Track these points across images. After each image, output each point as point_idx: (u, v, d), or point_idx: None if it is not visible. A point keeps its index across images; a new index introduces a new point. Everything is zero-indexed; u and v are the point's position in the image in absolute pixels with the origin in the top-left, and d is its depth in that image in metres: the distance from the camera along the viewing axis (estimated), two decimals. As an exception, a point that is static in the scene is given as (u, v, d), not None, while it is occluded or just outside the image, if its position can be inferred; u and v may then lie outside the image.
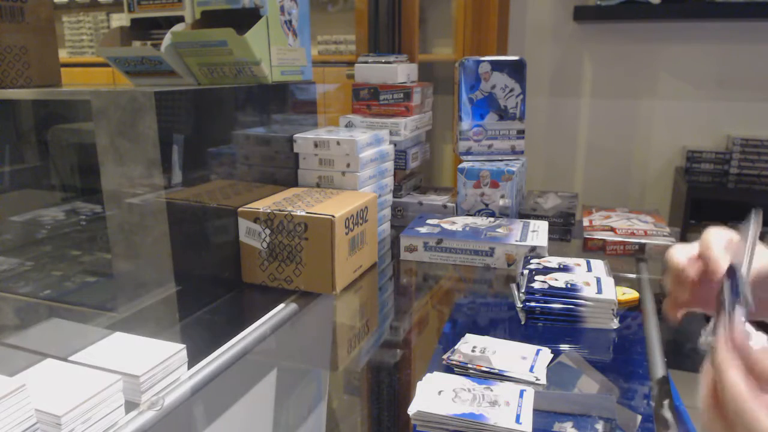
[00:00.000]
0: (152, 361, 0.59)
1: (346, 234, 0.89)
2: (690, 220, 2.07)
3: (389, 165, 1.16)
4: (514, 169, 1.19)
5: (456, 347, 0.73)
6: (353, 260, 0.93)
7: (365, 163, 1.05)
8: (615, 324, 0.81)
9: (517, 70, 1.23)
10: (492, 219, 1.16)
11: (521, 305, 0.84)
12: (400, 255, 1.08)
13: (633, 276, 1.00)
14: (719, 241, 0.54)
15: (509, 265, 1.02)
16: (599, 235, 1.11)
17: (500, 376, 0.67)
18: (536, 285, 0.85)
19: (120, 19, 3.17)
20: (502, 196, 1.19)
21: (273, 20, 0.97)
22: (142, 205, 0.77)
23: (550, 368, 0.70)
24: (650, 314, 0.85)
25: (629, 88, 2.34)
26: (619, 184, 2.43)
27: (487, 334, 0.76)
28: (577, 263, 0.94)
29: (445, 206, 1.26)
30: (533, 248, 1.00)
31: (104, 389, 0.53)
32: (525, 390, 0.62)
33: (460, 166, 1.21)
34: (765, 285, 0.56)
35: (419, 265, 1.07)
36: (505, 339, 0.75)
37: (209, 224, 0.85)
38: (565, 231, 1.20)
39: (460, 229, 1.08)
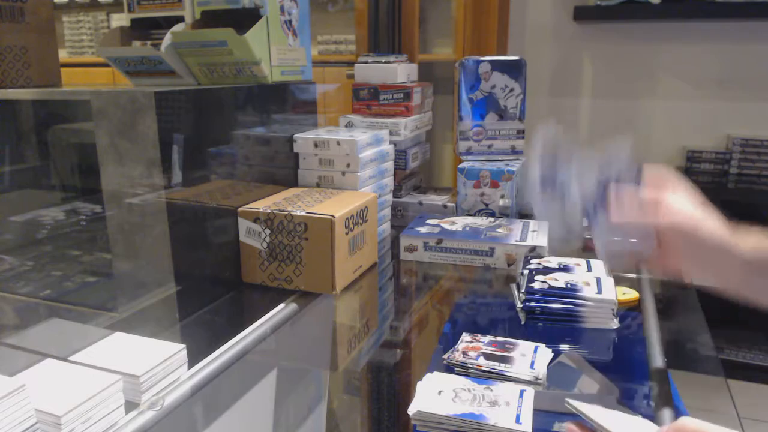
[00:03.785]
0: (152, 361, 0.59)
1: (346, 234, 0.89)
2: (690, 220, 2.07)
3: (389, 165, 1.16)
4: (514, 169, 1.19)
5: (456, 347, 0.73)
6: (353, 260, 0.93)
7: (365, 163, 1.05)
8: (615, 324, 0.81)
9: (517, 70, 1.23)
10: (492, 219, 1.16)
11: (521, 305, 0.84)
12: (400, 255, 1.08)
13: (633, 276, 1.00)
14: None
15: (509, 265, 1.02)
16: (599, 235, 1.11)
17: (500, 376, 0.67)
18: (536, 285, 0.85)
19: (120, 19, 3.17)
20: (502, 196, 1.19)
21: (273, 20, 0.97)
22: (142, 205, 0.77)
23: (550, 368, 0.70)
24: (650, 314, 0.85)
25: (629, 88, 2.34)
26: (619, 184, 2.42)
27: (488, 334, 0.76)
28: (577, 263, 0.94)
29: (445, 206, 1.26)
30: (533, 248, 1.00)
31: (104, 389, 0.53)
32: (525, 390, 0.62)
33: (460, 166, 1.21)
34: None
35: (419, 265, 1.07)
36: (504, 338, 0.75)
37: (209, 224, 0.85)
38: (565, 231, 1.20)
39: (460, 229, 1.08)
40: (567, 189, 0.65)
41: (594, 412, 0.53)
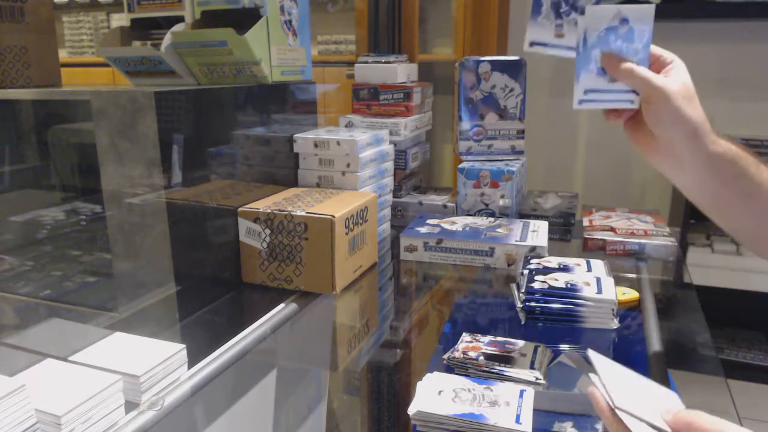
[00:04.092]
0: (152, 361, 0.59)
1: (346, 234, 0.89)
2: (690, 220, 2.07)
3: (389, 165, 1.16)
4: (514, 169, 1.19)
5: (456, 347, 0.73)
6: (353, 260, 0.93)
7: (365, 163, 1.05)
8: (615, 324, 0.81)
9: (517, 70, 1.23)
10: (492, 219, 1.16)
11: (521, 305, 0.84)
12: (400, 255, 1.08)
13: (633, 276, 1.00)
14: None
15: (509, 265, 1.02)
16: (599, 235, 1.11)
17: (500, 376, 0.67)
18: (536, 285, 0.85)
19: (120, 19, 3.17)
20: (502, 196, 1.19)
21: (273, 20, 0.97)
22: (142, 205, 0.77)
23: (551, 368, 0.70)
24: (650, 314, 0.85)
25: (629, 88, 2.33)
26: (619, 184, 2.43)
27: (488, 334, 0.77)
28: (577, 263, 0.94)
29: (445, 206, 1.26)
30: (533, 248, 1.00)
31: (104, 389, 0.53)
32: (525, 390, 0.62)
33: (460, 166, 1.21)
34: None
35: (419, 265, 1.07)
36: (504, 338, 0.75)
37: (209, 224, 0.85)
38: (565, 231, 1.20)
39: (460, 229, 1.08)
40: (572, 15, 0.66)
41: (611, 376, 0.52)
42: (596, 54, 0.65)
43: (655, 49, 0.66)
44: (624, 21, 0.65)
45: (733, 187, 0.63)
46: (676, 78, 0.63)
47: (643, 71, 0.63)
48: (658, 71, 0.64)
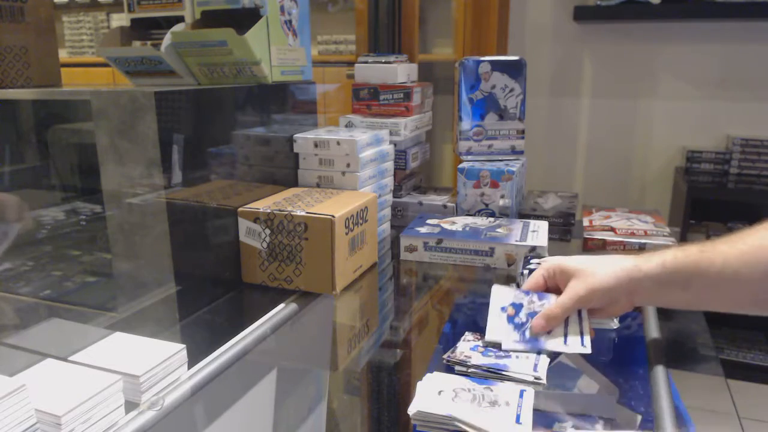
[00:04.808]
0: (152, 361, 0.59)
1: (346, 234, 0.89)
2: (690, 220, 2.07)
3: (389, 165, 1.16)
4: (514, 169, 1.19)
5: (456, 347, 0.73)
6: (353, 260, 0.93)
7: (365, 163, 1.05)
8: (615, 324, 0.81)
9: (517, 70, 1.23)
10: (492, 219, 1.16)
11: (521, 305, 0.84)
12: (400, 255, 1.08)
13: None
14: None
15: (509, 265, 1.02)
16: (599, 235, 1.11)
17: (500, 376, 0.67)
18: (536, 285, 0.85)
19: (120, 19, 3.17)
20: (502, 196, 1.19)
21: (273, 20, 0.97)
22: (142, 205, 0.77)
23: (550, 368, 0.70)
24: (650, 314, 0.85)
25: (629, 88, 2.34)
26: (619, 184, 2.43)
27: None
28: (577, 263, 0.94)
29: (445, 206, 1.26)
30: (533, 248, 1.00)
31: (104, 389, 0.53)
32: (525, 390, 0.62)
33: (460, 166, 1.21)
34: (597, 298, 0.69)
35: (419, 265, 1.07)
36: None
37: (209, 224, 0.85)
38: (565, 231, 1.20)
39: (460, 229, 1.08)
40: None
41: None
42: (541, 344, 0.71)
43: (539, 276, 0.77)
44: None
45: (698, 284, 0.64)
46: (575, 283, 0.70)
47: (556, 312, 0.70)
48: (563, 284, 0.72)
